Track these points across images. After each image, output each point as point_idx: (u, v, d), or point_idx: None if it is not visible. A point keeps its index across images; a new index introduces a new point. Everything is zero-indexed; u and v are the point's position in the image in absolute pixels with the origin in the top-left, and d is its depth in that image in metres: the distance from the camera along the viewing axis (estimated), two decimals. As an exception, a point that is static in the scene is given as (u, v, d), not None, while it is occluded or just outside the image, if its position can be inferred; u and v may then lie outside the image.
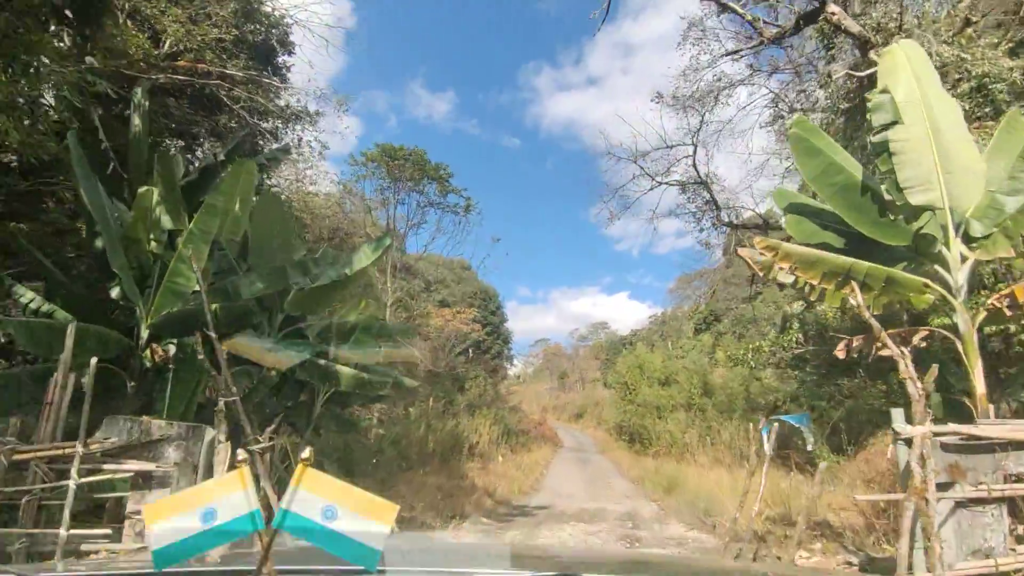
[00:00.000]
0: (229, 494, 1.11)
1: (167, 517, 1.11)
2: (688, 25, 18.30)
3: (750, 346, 16.15)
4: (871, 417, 12.18)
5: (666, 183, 18.29)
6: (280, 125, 20.61)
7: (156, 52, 13.15)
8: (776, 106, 19.15)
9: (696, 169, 17.51)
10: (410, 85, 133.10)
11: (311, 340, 8.25)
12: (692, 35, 18.30)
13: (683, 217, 19.36)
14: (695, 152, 17.29)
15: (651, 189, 18.70)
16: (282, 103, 20.29)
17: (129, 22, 12.92)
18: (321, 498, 1.09)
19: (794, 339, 15.74)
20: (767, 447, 13.72)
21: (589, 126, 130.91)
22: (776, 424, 13.68)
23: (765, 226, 17.45)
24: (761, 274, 6.33)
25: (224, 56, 14.38)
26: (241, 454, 1.20)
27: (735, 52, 18.29)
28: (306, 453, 1.14)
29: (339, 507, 1.08)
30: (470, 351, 43.43)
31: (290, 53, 19.29)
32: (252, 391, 7.09)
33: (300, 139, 21.06)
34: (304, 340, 7.93)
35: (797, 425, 13.28)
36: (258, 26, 17.53)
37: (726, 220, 17.95)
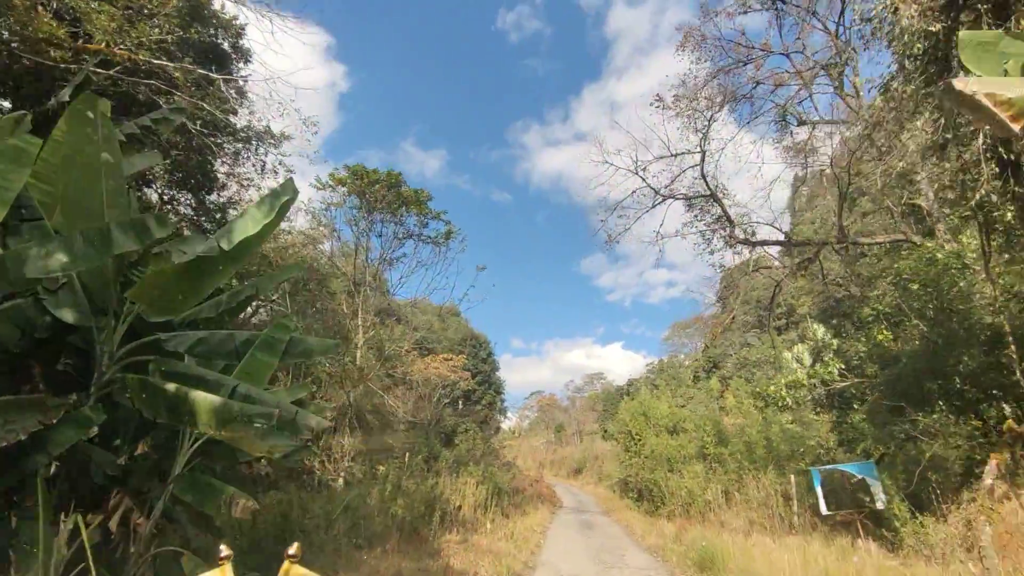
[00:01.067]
0: None
1: None
2: (684, 35, 16.37)
3: (783, 381, 13.24)
4: (966, 463, 9.21)
5: (672, 197, 15.83)
6: (240, 146, 18.20)
7: (76, 45, 10.81)
8: (784, 118, 17.03)
9: (705, 180, 15.08)
10: (402, 144, 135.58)
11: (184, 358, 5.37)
12: (690, 44, 16.34)
13: (690, 239, 16.85)
14: (703, 161, 14.92)
15: (654, 206, 16.24)
16: (240, 122, 17.92)
17: (41, 7, 10.64)
18: None
19: (833, 371, 12.88)
20: (822, 505, 10.60)
21: (577, 180, 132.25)
22: (820, 476, 10.61)
23: (788, 242, 14.91)
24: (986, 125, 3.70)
25: (164, 57, 12.08)
26: (224, 550, 1.19)
27: (737, 64, 16.30)
28: (293, 549, 1.11)
29: None
30: (460, 402, 40.06)
31: (246, 61, 17.03)
32: (50, 434, 4.15)
33: (263, 163, 18.70)
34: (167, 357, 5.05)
35: (859, 477, 10.25)
36: (206, 28, 15.31)
37: (741, 237, 15.40)
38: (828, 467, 10.76)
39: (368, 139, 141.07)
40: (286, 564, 1.19)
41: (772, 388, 13.16)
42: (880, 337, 12.05)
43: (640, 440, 23.89)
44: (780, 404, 12.80)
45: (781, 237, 14.94)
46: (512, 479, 27.25)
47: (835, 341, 14.11)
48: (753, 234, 15.43)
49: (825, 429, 19.33)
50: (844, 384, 12.67)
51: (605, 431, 60.71)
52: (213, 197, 17.92)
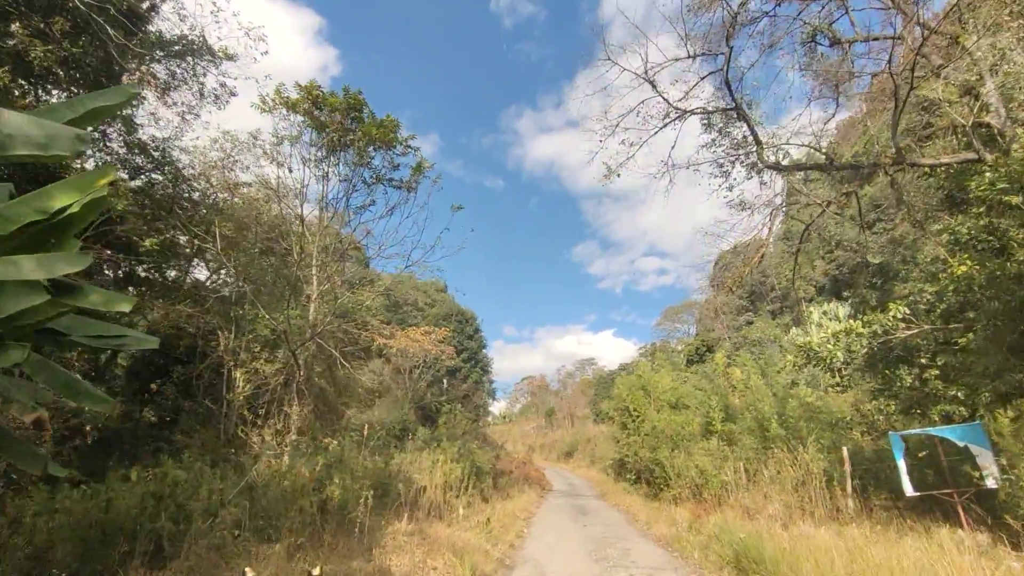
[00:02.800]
0: None
1: None
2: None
3: (830, 331, 10.21)
4: None
5: (687, 112, 12.70)
6: (173, 62, 15.01)
7: None
8: (813, 39, 13.91)
9: (729, 88, 11.97)
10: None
11: None
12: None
13: (704, 169, 13.74)
14: (728, 63, 11.78)
15: (664, 126, 13.09)
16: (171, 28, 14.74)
17: None
18: None
19: (897, 314, 9.86)
20: (906, 484, 7.61)
21: (569, 167, 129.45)
22: (902, 444, 7.62)
23: (830, 165, 11.83)
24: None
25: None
26: (249, 573, 1.44)
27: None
28: (317, 570, 1.32)
29: None
30: (445, 381, 37.06)
31: (168, -55, 13.74)
32: None
33: (201, 87, 15.43)
34: None
35: (961, 444, 7.24)
36: None
37: (772, 161, 12.31)
38: (914, 431, 7.74)
39: None
40: None
41: (816, 341, 10.10)
42: (962, 269, 9.04)
43: (639, 417, 20.92)
44: (828, 359, 9.75)
45: (823, 159, 11.84)
46: (496, 459, 24.26)
47: (851, 320, 11.05)
48: (785, 156, 12.33)
49: (852, 399, 16.48)
50: (910, 333, 9.64)
51: (597, 414, 57.99)
52: (154, 132, 14.70)
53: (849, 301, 25.84)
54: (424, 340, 29.18)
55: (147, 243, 12.07)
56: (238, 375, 14.10)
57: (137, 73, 13.70)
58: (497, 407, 71.69)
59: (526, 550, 9.43)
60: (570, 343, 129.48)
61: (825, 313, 35.27)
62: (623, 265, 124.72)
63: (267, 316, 13.78)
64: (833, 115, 13.86)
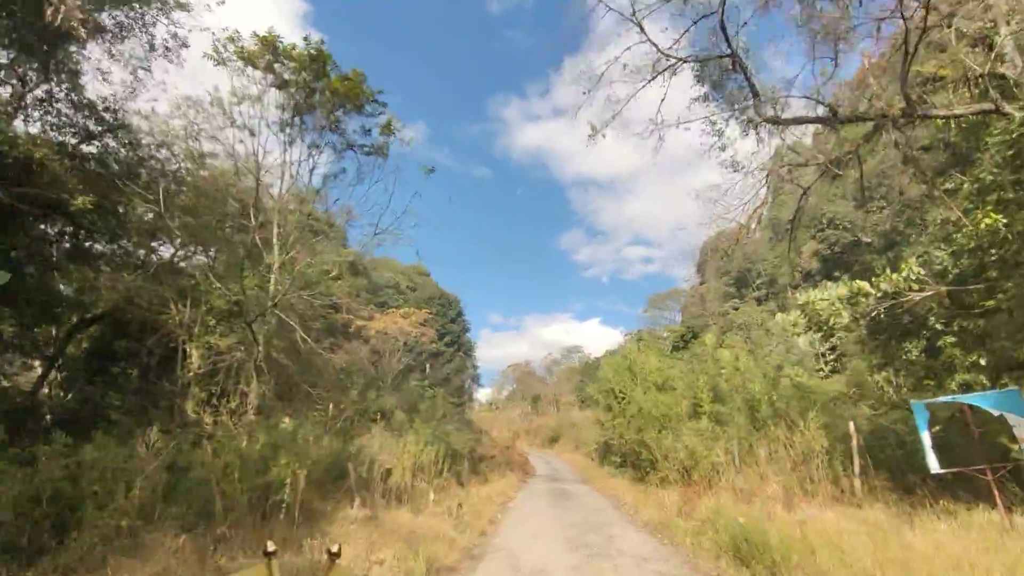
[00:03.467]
0: None
1: None
2: None
3: (835, 294, 9.14)
4: None
5: (680, 60, 11.49)
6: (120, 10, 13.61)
7: None
8: None
9: (725, 33, 10.78)
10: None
11: None
12: None
13: (695, 126, 12.55)
14: (723, 6, 10.58)
15: (654, 77, 11.88)
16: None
17: None
18: None
19: (909, 274, 8.78)
20: (931, 460, 6.52)
21: (556, 155, 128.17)
22: (926, 414, 6.54)
23: (834, 119, 10.71)
24: None
25: None
26: (271, 545, 1.12)
27: None
28: (336, 548, 1.19)
29: None
30: (427, 366, 35.86)
31: None
32: None
33: (151, 40, 13.98)
34: None
35: (996, 413, 6.16)
36: None
37: (770, 115, 11.18)
38: (941, 400, 6.66)
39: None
40: (327, 562, 1.09)
41: (820, 305, 9.02)
42: (988, 222, 7.99)
43: (625, 398, 19.87)
44: (831, 320, 8.67)
45: (826, 113, 10.71)
46: (477, 443, 23.17)
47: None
48: (784, 108, 11.18)
49: (847, 379, 15.55)
50: (923, 295, 8.58)
51: (583, 400, 57.20)
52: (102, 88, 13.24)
53: (841, 282, 25.07)
54: (404, 322, 27.94)
55: (79, 202, 10.65)
56: (192, 351, 12.80)
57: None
58: (484, 395, 70.72)
59: (499, 538, 8.30)
60: (557, 331, 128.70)
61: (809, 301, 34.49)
62: (609, 253, 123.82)
63: (220, 286, 12.45)
64: (834, 71, 12.73)
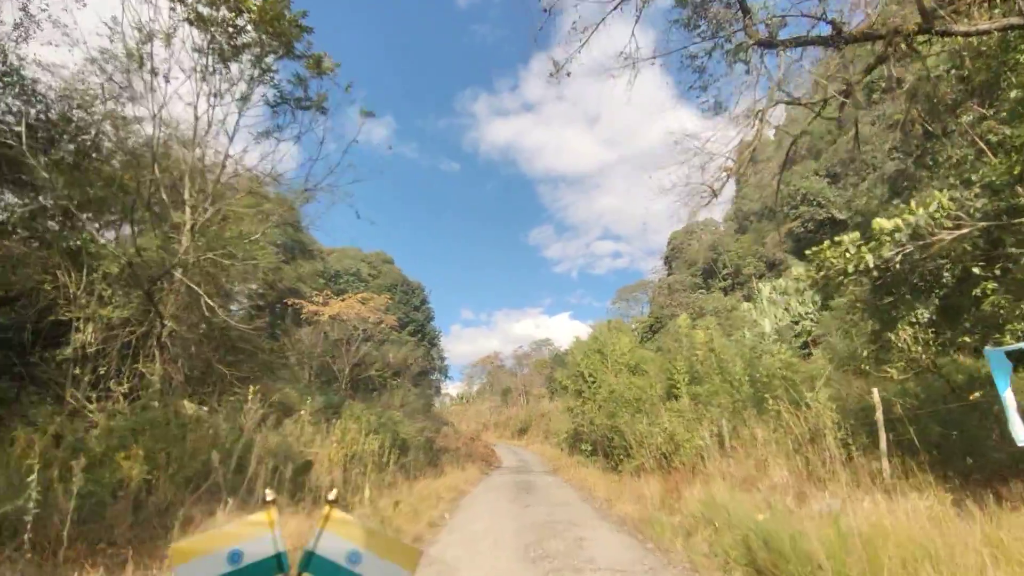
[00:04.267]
0: (256, 535, 1.07)
1: (192, 557, 1.04)
2: None
3: (847, 239, 7.37)
4: None
5: (658, -27, 9.56)
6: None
7: None
8: None
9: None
10: (348, 110, 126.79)
11: None
12: None
13: (673, 60, 10.65)
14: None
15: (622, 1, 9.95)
16: None
17: None
18: (346, 540, 1.06)
19: (941, 212, 7.10)
20: (1017, 427, 4.74)
21: (526, 150, 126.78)
22: (1008, 367, 4.79)
23: (837, 36, 8.99)
24: None
25: None
26: (269, 494, 1.14)
27: None
28: (333, 495, 1.10)
29: (363, 551, 1.04)
30: (391, 355, 33.58)
31: None
32: None
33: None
34: None
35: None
36: None
37: (764, 36, 9.39)
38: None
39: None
40: (327, 508, 1.07)
41: (834, 252, 7.25)
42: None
43: (595, 382, 18.09)
44: (854, 265, 6.92)
45: (830, 31, 8.96)
46: (436, 433, 21.12)
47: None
48: (783, 25, 9.41)
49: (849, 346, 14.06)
50: (957, 234, 6.92)
51: (553, 391, 55.61)
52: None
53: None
54: (361, 308, 25.59)
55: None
56: (83, 324, 10.42)
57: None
58: (455, 389, 68.58)
59: (436, 546, 6.29)
60: (527, 326, 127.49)
61: (775, 288, 33.37)
62: (579, 249, 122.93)
63: (112, 245, 10.11)
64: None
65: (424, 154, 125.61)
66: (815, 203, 24.27)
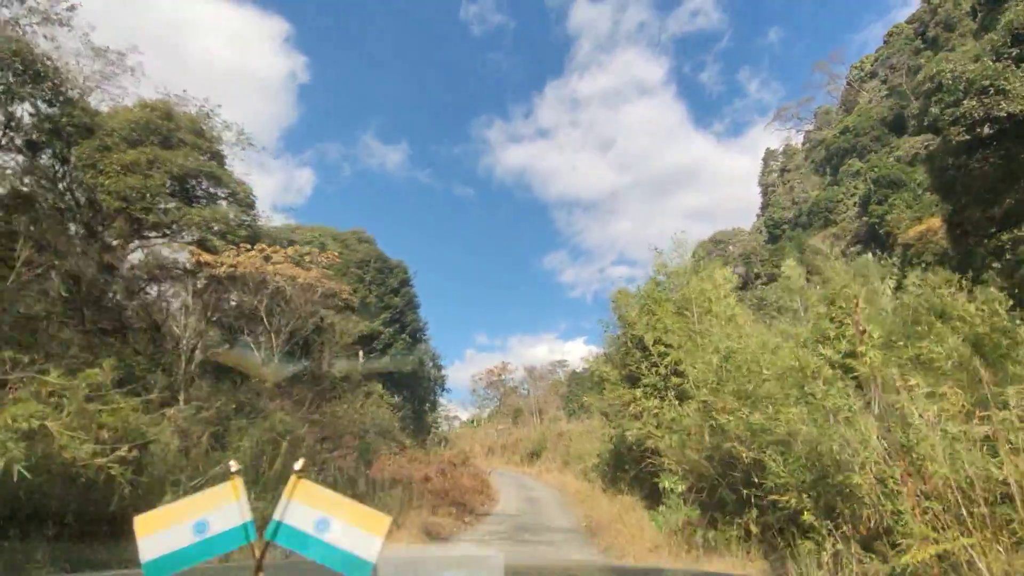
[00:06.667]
0: (222, 505, 1.01)
1: (157, 529, 0.99)
2: None
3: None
4: None
5: None
6: None
7: None
8: None
9: None
10: (363, 137, 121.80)
11: None
12: None
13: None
14: None
15: None
16: None
17: None
18: (314, 509, 1.00)
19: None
20: None
21: (540, 175, 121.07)
22: None
23: None
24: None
25: None
26: (234, 465, 1.07)
27: None
28: (299, 464, 1.02)
29: (332, 518, 0.98)
30: (361, 354, 24.56)
31: None
32: None
33: None
34: None
35: None
36: None
37: None
38: None
39: (327, 131, 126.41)
40: (293, 478, 0.99)
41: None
42: None
43: (667, 356, 9.04)
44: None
45: None
46: (372, 454, 11.99)
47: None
48: None
49: None
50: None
51: (571, 413, 46.03)
52: None
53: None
54: (290, 268, 16.80)
55: None
56: None
57: None
58: (465, 413, 59.22)
59: None
60: (542, 351, 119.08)
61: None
62: (593, 274, 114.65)
63: None
64: None
65: (438, 180, 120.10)
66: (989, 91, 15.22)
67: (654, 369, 9.52)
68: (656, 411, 8.45)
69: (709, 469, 6.42)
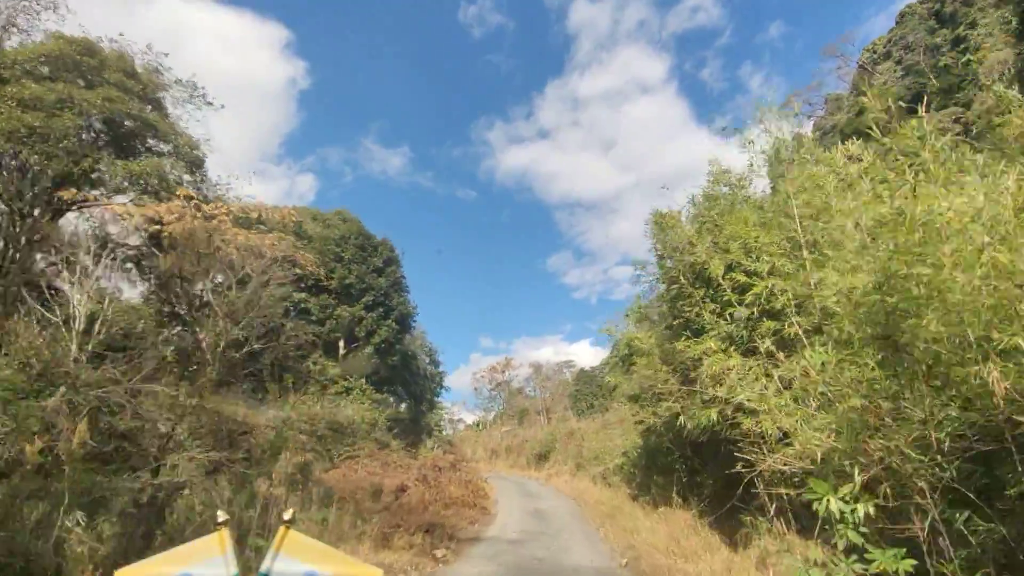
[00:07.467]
0: (207, 558, 0.98)
1: None
2: None
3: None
4: None
5: None
6: None
7: None
8: None
9: None
10: (364, 141, 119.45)
11: None
12: None
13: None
14: None
15: None
16: None
17: None
18: (302, 563, 0.96)
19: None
20: None
21: (542, 176, 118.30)
22: None
23: None
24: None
25: None
26: (221, 515, 1.06)
27: None
28: (288, 514, 1.00)
29: (320, 572, 0.95)
30: (341, 344, 21.23)
31: None
32: None
33: None
34: None
35: None
36: None
37: None
38: None
39: (329, 136, 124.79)
40: (282, 529, 0.99)
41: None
42: None
43: (750, 288, 5.60)
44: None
45: None
46: (322, 456, 8.46)
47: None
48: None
49: None
50: None
51: (580, 413, 42.57)
52: None
53: None
54: (241, 233, 13.38)
55: None
56: None
57: None
58: (471, 416, 55.85)
59: None
60: (548, 353, 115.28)
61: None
62: (597, 275, 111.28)
63: None
64: None
65: (440, 183, 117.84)
66: None
67: (728, 311, 6.00)
68: (752, 370, 4.96)
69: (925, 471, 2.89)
